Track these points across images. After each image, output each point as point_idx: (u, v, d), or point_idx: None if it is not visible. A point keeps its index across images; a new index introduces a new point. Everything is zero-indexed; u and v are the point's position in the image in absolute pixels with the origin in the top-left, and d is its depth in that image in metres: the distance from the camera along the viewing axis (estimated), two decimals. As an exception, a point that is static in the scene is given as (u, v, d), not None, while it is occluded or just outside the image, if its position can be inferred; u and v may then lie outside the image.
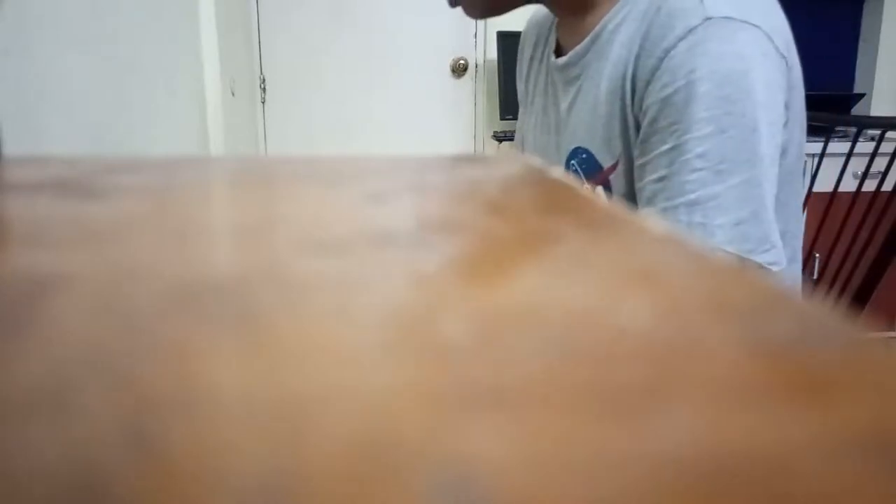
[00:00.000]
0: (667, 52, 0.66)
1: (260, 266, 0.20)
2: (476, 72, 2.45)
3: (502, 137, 2.28)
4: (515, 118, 2.40)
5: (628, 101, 0.71)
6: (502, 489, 0.09)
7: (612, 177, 0.75)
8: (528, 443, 0.10)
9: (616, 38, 0.72)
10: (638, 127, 0.71)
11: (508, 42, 2.28)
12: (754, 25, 0.65)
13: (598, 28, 0.75)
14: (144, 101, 1.25)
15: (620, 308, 0.17)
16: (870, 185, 1.19)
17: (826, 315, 0.16)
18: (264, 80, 2.40)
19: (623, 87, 0.71)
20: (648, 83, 0.68)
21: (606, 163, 0.75)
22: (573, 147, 0.79)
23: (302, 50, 2.38)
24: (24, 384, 0.12)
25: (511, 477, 0.10)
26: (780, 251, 0.68)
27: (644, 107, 0.69)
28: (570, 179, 0.37)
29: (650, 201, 0.68)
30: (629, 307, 0.17)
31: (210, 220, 0.29)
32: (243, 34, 2.23)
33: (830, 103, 2.27)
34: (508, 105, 2.28)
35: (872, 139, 1.24)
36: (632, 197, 0.74)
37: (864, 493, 0.09)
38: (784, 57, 0.69)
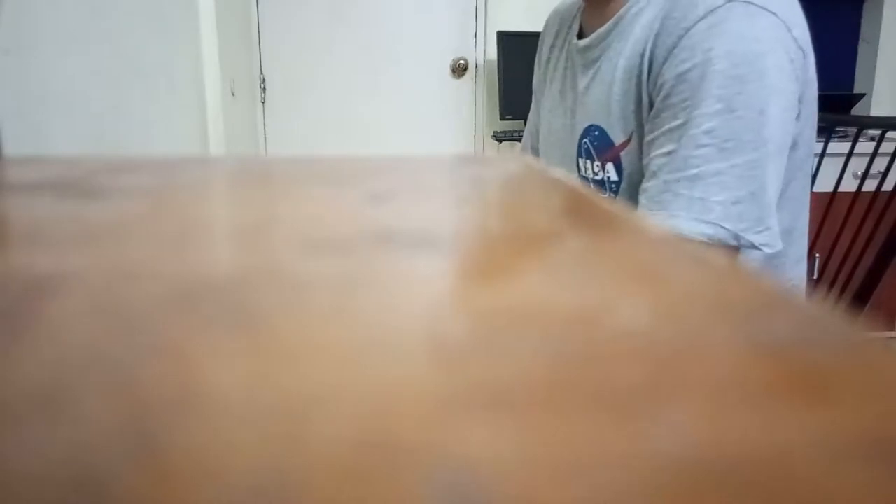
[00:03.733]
0: (686, 30, 0.68)
1: (260, 266, 0.20)
2: (476, 72, 2.45)
3: (502, 137, 2.28)
4: (515, 118, 2.41)
5: (644, 79, 0.73)
6: (502, 489, 0.09)
7: (622, 153, 0.77)
8: (528, 443, 0.10)
9: (639, 19, 0.75)
10: (651, 104, 0.72)
11: (508, 42, 2.28)
12: (772, 13, 0.67)
13: (621, 11, 0.77)
14: (144, 101, 1.25)
15: (620, 308, 0.17)
16: (870, 185, 1.19)
17: (826, 315, 0.16)
18: (264, 80, 2.40)
19: (640, 65, 0.73)
20: (665, 60, 0.70)
21: (619, 139, 0.77)
22: (587, 125, 0.81)
23: (302, 50, 2.38)
24: (23, 385, 0.12)
25: (511, 477, 0.10)
26: (774, 234, 0.69)
27: (659, 83, 0.70)
28: (571, 179, 0.37)
29: (655, 175, 0.70)
30: (629, 307, 0.17)
31: (210, 221, 0.29)
32: (243, 34, 2.23)
33: (830, 103, 2.28)
34: (508, 105, 2.28)
35: (872, 139, 1.24)
36: (641, 172, 0.76)
37: (864, 493, 0.09)
38: (801, 49, 0.70)
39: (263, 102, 2.41)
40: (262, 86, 2.40)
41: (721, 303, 0.17)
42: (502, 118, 2.30)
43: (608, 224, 0.27)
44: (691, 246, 0.23)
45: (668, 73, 0.69)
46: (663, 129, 0.70)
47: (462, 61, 2.43)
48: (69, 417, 0.11)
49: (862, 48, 2.50)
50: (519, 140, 2.16)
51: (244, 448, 0.10)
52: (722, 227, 0.67)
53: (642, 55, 0.73)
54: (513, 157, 0.47)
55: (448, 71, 2.45)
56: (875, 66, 2.45)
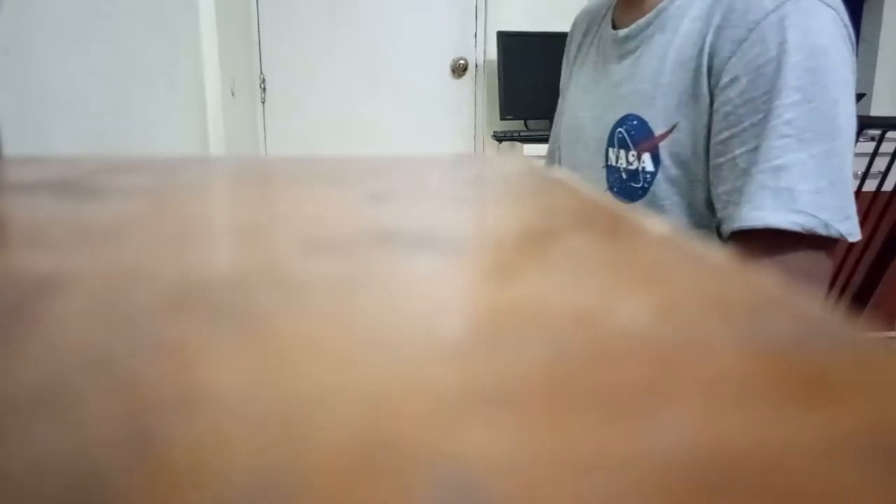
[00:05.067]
0: (756, 23, 0.68)
1: (260, 266, 0.20)
2: (476, 72, 2.45)
3: (502, 137, 2.28)
4: (515, 118, 2.40)
5: (704, 71, 0.73)
6: (502, 489, 0.09)
7: (661, 144, 0.77)
8: (529, 442, 0.10)
9: (687, 12, 0.75)
10: (712, 97, 0.72)
11: (508, 42, 2.28)
12: (833, 8, 0.69)
13: (663, 3, 0.78)
14: (144, 101, 1.25)
15: (621, 308, 0.17)
16: (870, 185, 1.19)
17: (826, 315, 0.16)
18: (264, 80, 2.40)
19: (698, 57, 0.73)
20: (733, 53, 0.70)
21: (659, 130, 0.77)
22: (623, 114, 0.82)
23: (302, 50, 2.38)
24: (24, 384, 0.12)
25: (511, 477, 0.10)
26: (855, 223, 0.70)
27: (727, 78, 0.70)
28: (572, 179, 0.37)
29: (746, 171, 0.70)
30: (629, 307, 0.17)
31: (210, 221, 0.29)
32: (243, 34, 2.23)
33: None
34: (508, 105, 2.28)
35: (872, 139, 1.24)
36: (680, 164, 0.76)
37: (863, 493, 0.09)
38: (854, 44, 0.71)
39: (263, 102, 2.41)
40: (262, 86, 2.40)
41: (721, 302, 0.17)
42: (502, 118, 2.30)
43: (608, 224, 0.27)
44: (691, 245, 0.23)
45: (739, 68, 0.69)
46: (744, 125, 0.70)
47: (462, 61, 2.43)
48: (70, 416, 0.11)
49: (862, 48, 2.50)
50: (519, 140, 2.17)
51: (244, 447, 0.10)
52: (812, 215, 0.67)
53: (701, 48, 0.73)
54: (513, 157, 0.47)
55: (448, 71, 2.45)
56: (875, 66, 2.45)
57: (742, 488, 0.09)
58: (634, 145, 0.80)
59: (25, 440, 0.10)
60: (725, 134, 0.71)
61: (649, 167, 0.79)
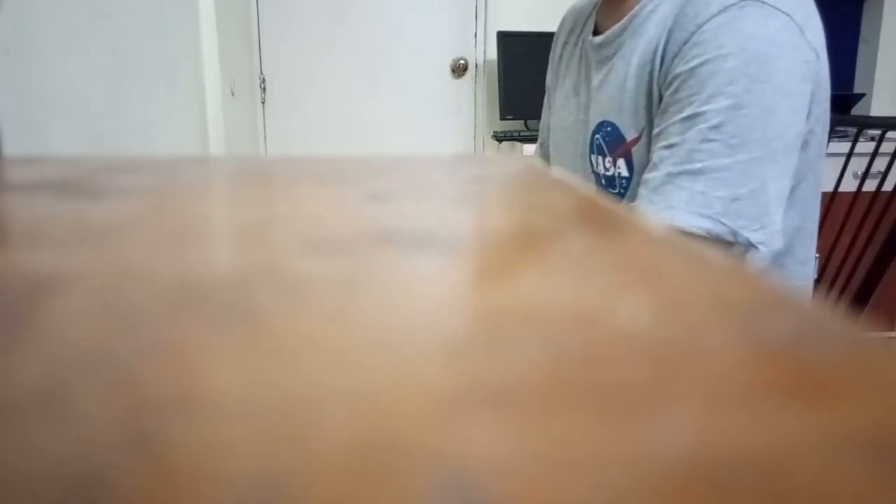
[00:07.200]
0: (699, 27, 0.68)
1: (260, 266, 0.20)
2: (476, 72, 2.45)
3: (502, 137, 2.28)
4: (515, 118, 2.40)
5: (656, 74, 0.73)
6: (502, 489, 0.09)
7: (633, 149, 0.78)
8: (528, 443, 0.10)
9: (653, 17, 0.75)
10: (661, 99, 0.73)
11: (508, 42, 2.28)
12: (786, 14, 0.68)
13: (636, 9, 0.78)
14: (144, 101, 1.25)
15: (621, 308, 0.17)
16: (870, 185, 1.19)
17: (826, 315, 0.16)
18: (264, 80, 2.40)
19: (653, 60, 0.74)
20: (676, 55, 0.70)
21: (630, 136, 0.78)
22: (599, 121, 0.82)
23: (302, 50, 2.38)
24: (23, 384, 0.12)
25: (511, 477, 0.10)
26: (771, 233, 0.70)
27: (669, 79, 0.71)
28: (572, 178, 0.37)
29: (656, 166, 0.70)
30: (629, 307, 0.17)
31: (210, 221, 0.29)
32: (243, 34, 2.23)
33: (831, 103, 2.28)
34: (508, 105, 2.28)
35: (872, 139, 1.24)
36: None
37: (863, 492, 0.09)
38: (814, 50, 0.70)
39: (263, 102, 2.41)
40: (262, 86, 2.40)
41: (721, 302, 0.17)
42: (502, 118, 2.30)
43: (609, 224, 0.27)
44: (691, 245, 0.23)
45: (679, 69, 0.69)
46: (669, 122, 0.70)
47: (462, 61, 2.43)
48: (70, 416, 0.11)
49: (862, 48, 2.50)
50: (519, 140, 2.16)
51: (244, 447, 0.10)
52: (721, 222, 0.67)
53: (655, 51, 0.73)
54: (513, 157, 0.47)
55: (448, 71, 2.45)
56: (875, 66, 2.45)
57: (742, 488, 0.09)
58: (610, 151, 0.81)
59: (25, 441, 0.10)
60: (656, 130, 0.72)
61: (624, 173, 0.79)
